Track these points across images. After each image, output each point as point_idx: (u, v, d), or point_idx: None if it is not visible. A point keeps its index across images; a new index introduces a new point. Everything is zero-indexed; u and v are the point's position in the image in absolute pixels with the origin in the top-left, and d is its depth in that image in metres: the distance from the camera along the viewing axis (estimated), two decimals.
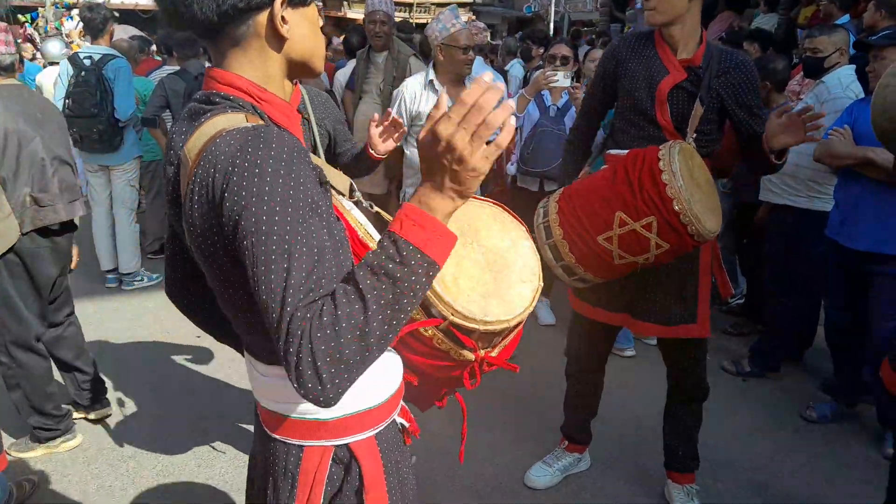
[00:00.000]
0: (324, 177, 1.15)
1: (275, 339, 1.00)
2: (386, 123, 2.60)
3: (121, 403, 3.65)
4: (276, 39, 1.18)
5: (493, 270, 1.44)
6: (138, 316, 4.86)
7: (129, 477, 3.07)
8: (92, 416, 3.46)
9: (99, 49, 4.90)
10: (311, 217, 1.03)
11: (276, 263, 1.00)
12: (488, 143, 1.02)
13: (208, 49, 1.24)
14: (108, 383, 3.83)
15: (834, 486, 3.09)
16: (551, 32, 11.84)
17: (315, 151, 2.57)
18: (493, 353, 1.45)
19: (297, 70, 1.25)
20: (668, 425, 2.89)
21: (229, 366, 4.06)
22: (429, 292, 1.31)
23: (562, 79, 3.88)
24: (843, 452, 3.35)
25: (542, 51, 6.69)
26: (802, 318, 4.12)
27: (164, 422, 3.48)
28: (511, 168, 4.65)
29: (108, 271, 5.39)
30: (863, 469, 3.21)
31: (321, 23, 1.27)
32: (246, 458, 3.12)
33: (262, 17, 1.15)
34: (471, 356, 1.40)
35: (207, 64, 5.15)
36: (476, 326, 1.34)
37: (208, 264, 1.17)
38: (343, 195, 1.38)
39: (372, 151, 2.62)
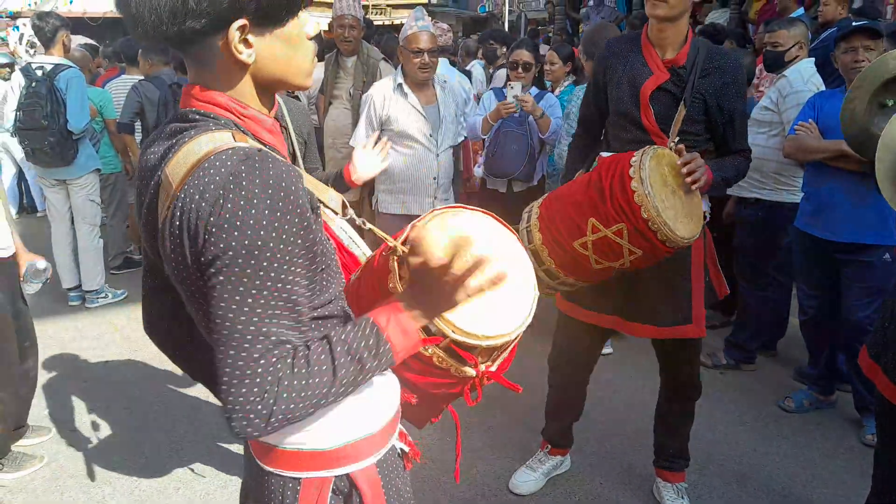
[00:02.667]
0: (315, 202, 1.11)
1: (223, 371, 1.02)
2: (377, 145, 2.43)
3: (94, 426, 3.52)
4: (238, 65, 1.10)
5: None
6: (105, 334, 4.71)
7: (104, 503, 2.96)
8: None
9: (51, 59, 4.74)
10: (293, 262, 1.04)
11: (247, 305, 1.01)
12: None
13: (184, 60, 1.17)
14: (80, 405, 3.71)
15: (817, 475, 3.13)
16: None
17: (294, 161, 2.49)
18: (493, 368, 1.40)
19: (274, 88, 1.18)
20: (659, 424, 2.88)
21: None
22: None
23: (517, 89, 3.99)
24: (822, 441, 3.40)
25: (505, 49, 6.72)
26: (775, 309, 4.16)
27: (138, 444, 3.37)
28: (478, 170, 4.64)
29: (71, 289, 5.22)
30: (844, 457, 3.26)
31: (313, 33, 1.18)
32: (226, 478, 3.09)
33: (221, 41, 1.07)
34: (472, 372, 1.34)
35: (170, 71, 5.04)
36: (478, 343, 1.28)
37: (188, 292, 1.11)
38: (336, 213, 1.34)
39: (351, 177, 2.39)
